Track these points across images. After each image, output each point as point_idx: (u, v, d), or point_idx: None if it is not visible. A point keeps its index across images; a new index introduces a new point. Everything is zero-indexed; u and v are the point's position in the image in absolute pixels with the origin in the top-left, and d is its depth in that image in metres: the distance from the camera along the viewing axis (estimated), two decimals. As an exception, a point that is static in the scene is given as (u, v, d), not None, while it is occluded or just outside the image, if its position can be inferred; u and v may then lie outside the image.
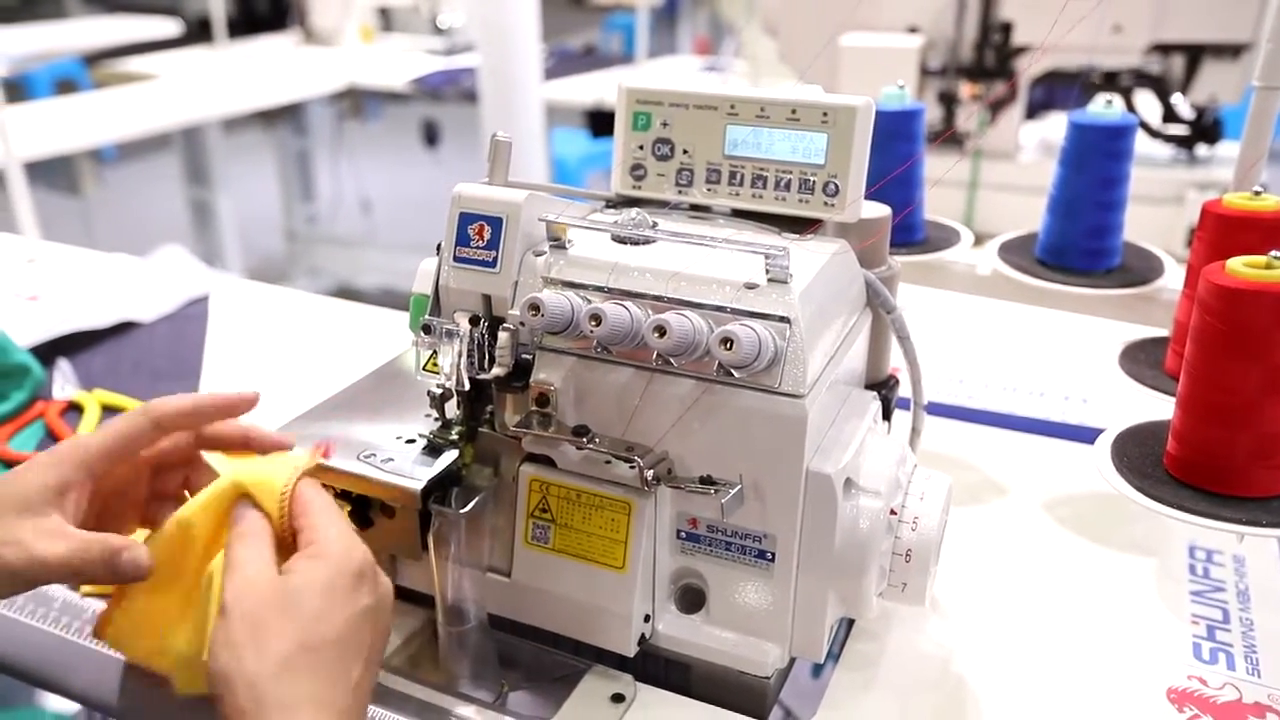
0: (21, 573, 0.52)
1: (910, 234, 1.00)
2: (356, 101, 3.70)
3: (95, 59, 3.71)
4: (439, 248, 0.64)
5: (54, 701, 1.62)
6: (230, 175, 3.50)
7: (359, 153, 4.13)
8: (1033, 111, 1.81)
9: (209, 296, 1.31)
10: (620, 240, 0.63)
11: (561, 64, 3.41)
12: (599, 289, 0.61)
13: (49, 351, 1.10)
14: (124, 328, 1.21)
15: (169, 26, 3.51)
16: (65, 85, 3.88)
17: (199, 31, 3.78)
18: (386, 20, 4.01)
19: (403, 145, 4.39)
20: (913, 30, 1.64)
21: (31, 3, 6.36)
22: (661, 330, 0.55)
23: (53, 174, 2.91)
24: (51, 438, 0.96)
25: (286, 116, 3.75)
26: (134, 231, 4.08)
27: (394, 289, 3.80)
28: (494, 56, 2.52)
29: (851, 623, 0.72)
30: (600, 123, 3.76)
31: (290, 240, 4.05)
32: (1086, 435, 0.93)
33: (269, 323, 1.26)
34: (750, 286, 0.58)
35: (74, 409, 1.01)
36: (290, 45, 3.78)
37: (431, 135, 3.93)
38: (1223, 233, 0.72)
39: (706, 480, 0.59)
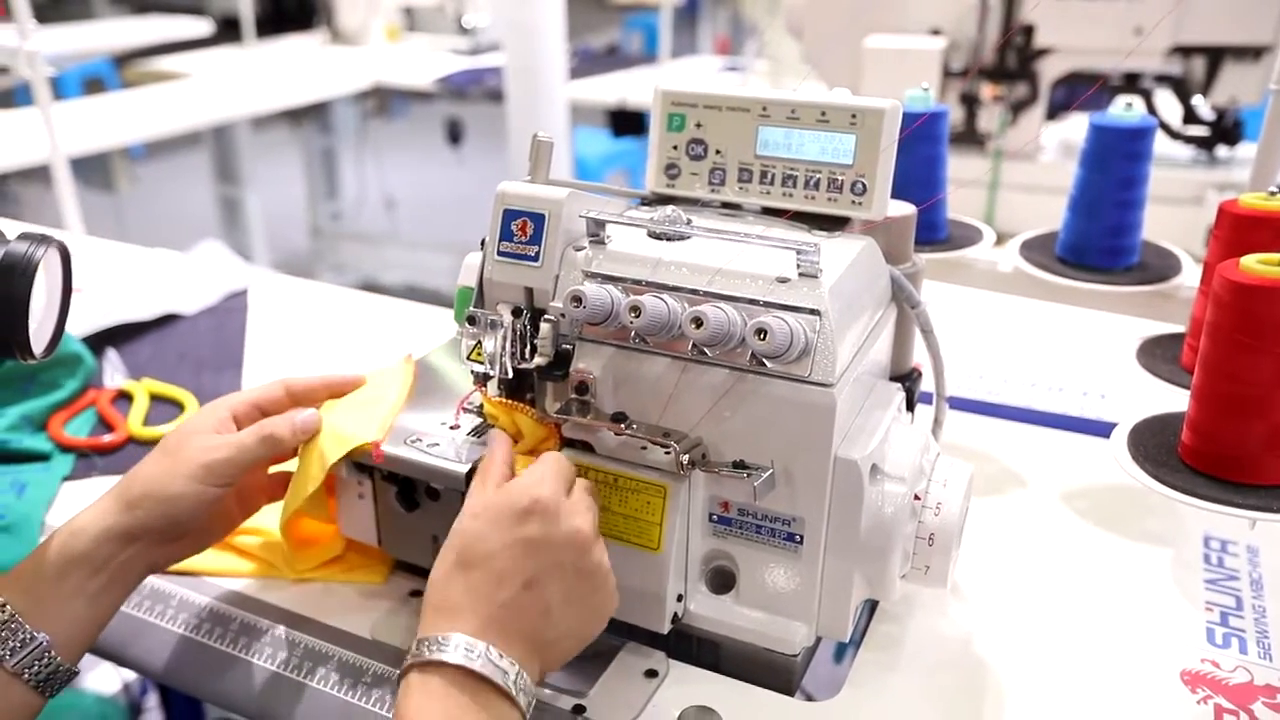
0: (231, 459, 0.65)
1: (934, 232, 1.02)
2: (382, 100, 3.75)
3: (123, 58, 3.77)
4: (483, 242, 0.68)
5: (93, 684, 1.67)
6: (257, 172, 3.55)
7: (383, 151, 4.17)
8: (1053, 113, 1.82)
9: (248, 290, 1.35)
10: (656, 236, 0.66)
11: (584, 63, 3.44)
12: (637, 282, 0.64)
13: (98, 342, 1.14)
14: (168, 320, 1.25)
15: (200, 26, 3.56)
16: (93, 85, 3.94)
17: (224, 30, 3.83)
18: (411, 20, 4.05)
19: (427, 143, 4.43)
20: (935, 32, 1.66)
21: (60, 3, 6.44)
22: (699, 321, 0.58)
23: (89, 171, 2.97)
24: (103, 424, 1.00)
25: (312, 115, 3.80)
26: (166, 227, 4.14)
27: (417, 285, 3.85)
28: (520, 56, 2.55)
29: (873, 610, 0.74)
30: (622, 122, 3.78)
31: (315, 237, 4.10)
32: (1104, 429, 0.95)
33: (305, 316, 1.30)
34: (782, 280, 0.61)
35: (124, 397, 1.05)
36: (317, 44, 3.83)
37: (455, 134, 3.97)
38: (1238, 231, 0.74)
39: (739, 465, 0.62)
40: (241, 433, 0.67)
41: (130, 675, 1.67)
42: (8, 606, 0.59)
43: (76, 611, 0.61)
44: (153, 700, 1.68)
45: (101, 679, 1.68)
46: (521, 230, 0.66)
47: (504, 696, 0.53)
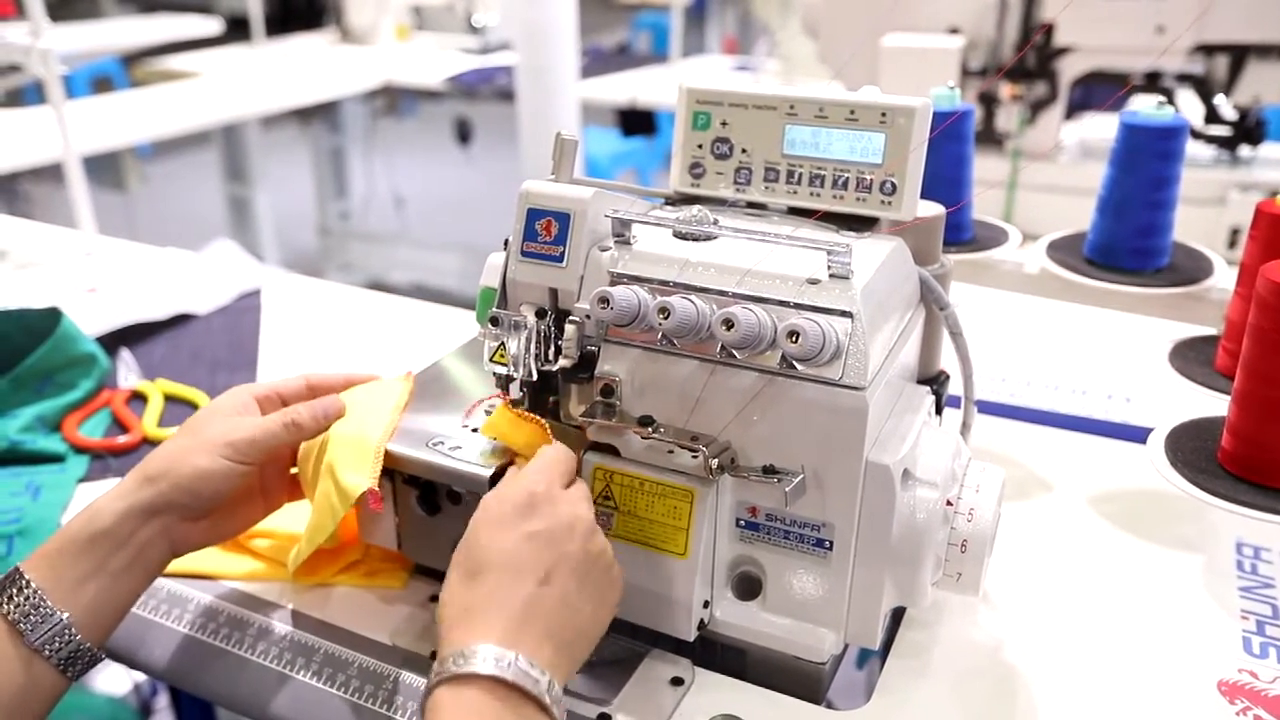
0: (255, 439, 0.66)
1: (959, 233, 1.01)
2: (391, 99, 3.75)
3: (133, 57, 3.77)
4: (506, 242, 0.66)
5: (103, 685, 1.66)
6: (266, 172, 3.55)
7: (392, 150, 4.17)
8: (1070, 112, 1.81)
9: (260, 290, 1.34)
10: (682, 236, 0.65)
11: (595, 63, 3.43)
12: (664, 283, 0.62)
13: (112, 342, 1.13)
14: (181, 320, 1.24)
15: (210, 25, 3.56)
16: (102, 84, 3.94)
17: (232, 29, 3.83)
18: (420, 19, 4.05)
19: (436, 143, 4.43)
20: (954, 31, 1.65)
21: (68, 2, 6.45)
22: (729, 323, 0.57)
23: (99, 170, 2.97)
24: (118, 425, 0.99)
25: (322, 114, 3.79)
26: (175, 226, 4.14)
27: (425, 285, 3.84)
28: (532, 56, 2.54)
29: (900, 615, 0.73)
30: (631, 121, 3.77)
31: (324, 236, 4.10)
32: (1129, 433, 0.94)
33: (318, 316, 1.29)
34: (813, 282, 0.60)
35: (138, 398, 1.04)
36: (326, 44, 3.83)
37: (464, 133, 3.96)
38: (1277, 231, 0.73)
39: (769, 470, 0.61)
40: (266, 416, 0.68)
41: (141, 676, 1.66)
42: (30, 582, 0.59)
43: (98, 590, 0.61)
44: (163, 701, 1.68)
45: (112, 680, 1.67)
46: (546, 230, 0.65)
47: (538, 706, 0.52)
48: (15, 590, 0.59)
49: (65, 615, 0.59)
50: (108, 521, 0.61)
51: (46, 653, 0.58)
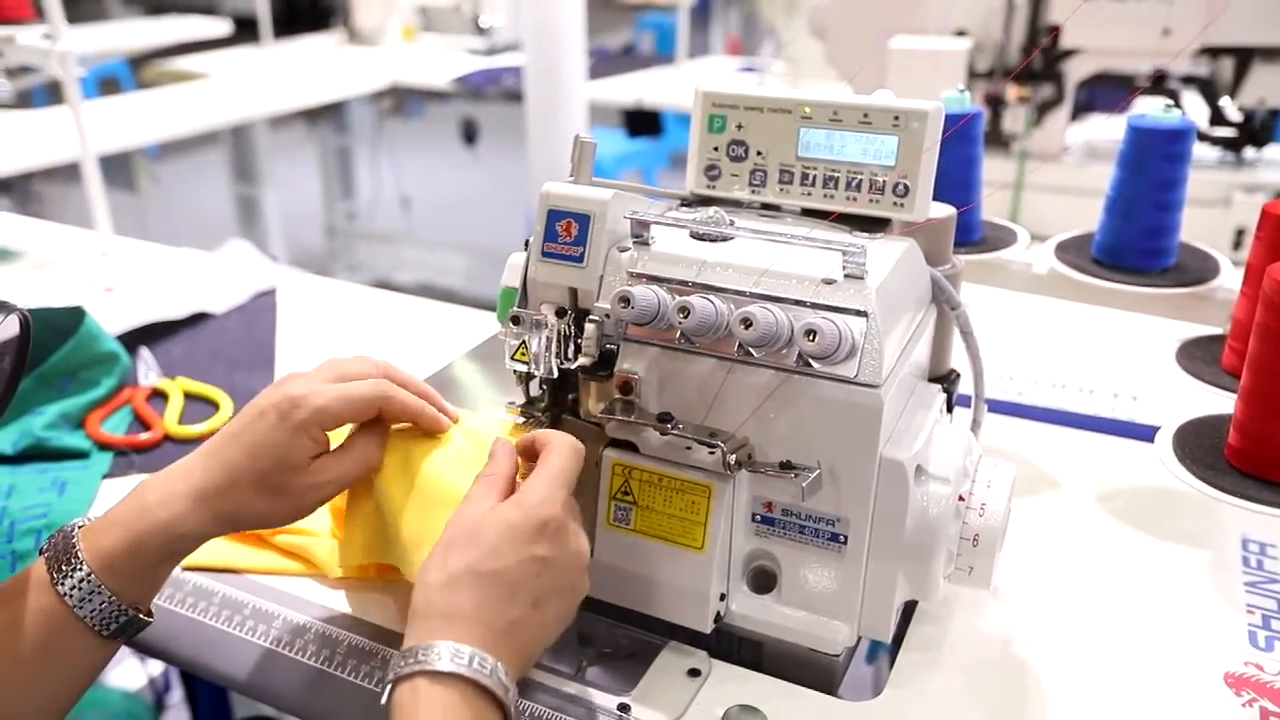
0: (319, 488, 0.65)
1: (968, 233, 1.02)
2: (398, 100, 3.76)
3: (140, 59, 3.79)
4: (527, 243, 0.68)
5: (118, 680, 1.68)
6: (274, 172, 3.57)
7: (399, 150, 4.18)
8: (1076, 113, 1.82)
9: (276, 289, 1.35)
10: (699, 237, 0.67)
11: (600, 64, 3.45)
12: (682, 283, 0.64)
13: (131, 341, 1.15)
14: (198, 318, 1.25)
15: (219, 26, 3.58)
16: (109, 85, 3.96)
17: (238, 30, 3.85)
18: (427, 20, 4.06)
19: (442, 143, 4.44)
20: (961, 33, 1.66)
21: (74, 3, 6.48)
22: (748, 322, 0.58)
23: (111, 171, 3.00)
24: (139, 422, 1.00)
25: (329, 114, 3.81)
26: (185, 226, 4.16)
27: (431, 284, 3.86)
28: (540, 57, 2.56)
29: (911, 609, 0.74)
30: (637, 122, 3.78)
31: (331, 236, 4.12)
32: (1136, 431, 0.95)
33: (330, 315, 1.30)
34: (828, 282, 0.61)
35: (158, 395, 1.05)
36: (333, 44, 3.85)
37: (470, 134, 3.98)
38: (1283, 233, 0.74)
39: (786, 465, 0.62)
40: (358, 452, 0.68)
41: (155, 670, 1.68)
42: (104, 588, 0.59)
43: (157, 579, 0.63)
44: (177, 695, 1.69)
45: (127, 675, 1.69)
46: (566, 231, 0.66)
47: (504, 714, 0.53)
48: (71, 571, 0.59)
49: (123, 604, 0.60)
50: (189, 546, 0.62)
51: (97, 627, 0.60)
